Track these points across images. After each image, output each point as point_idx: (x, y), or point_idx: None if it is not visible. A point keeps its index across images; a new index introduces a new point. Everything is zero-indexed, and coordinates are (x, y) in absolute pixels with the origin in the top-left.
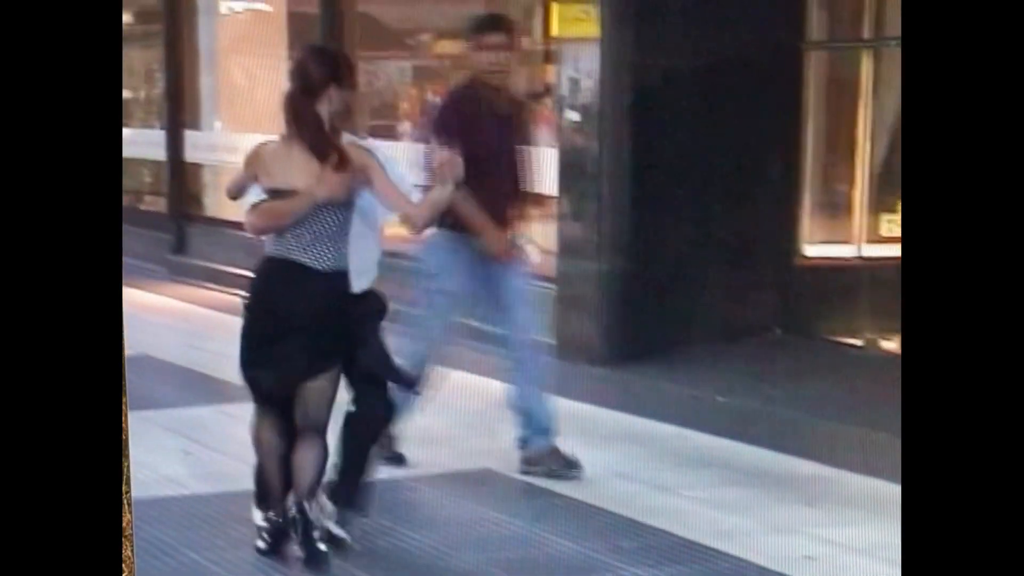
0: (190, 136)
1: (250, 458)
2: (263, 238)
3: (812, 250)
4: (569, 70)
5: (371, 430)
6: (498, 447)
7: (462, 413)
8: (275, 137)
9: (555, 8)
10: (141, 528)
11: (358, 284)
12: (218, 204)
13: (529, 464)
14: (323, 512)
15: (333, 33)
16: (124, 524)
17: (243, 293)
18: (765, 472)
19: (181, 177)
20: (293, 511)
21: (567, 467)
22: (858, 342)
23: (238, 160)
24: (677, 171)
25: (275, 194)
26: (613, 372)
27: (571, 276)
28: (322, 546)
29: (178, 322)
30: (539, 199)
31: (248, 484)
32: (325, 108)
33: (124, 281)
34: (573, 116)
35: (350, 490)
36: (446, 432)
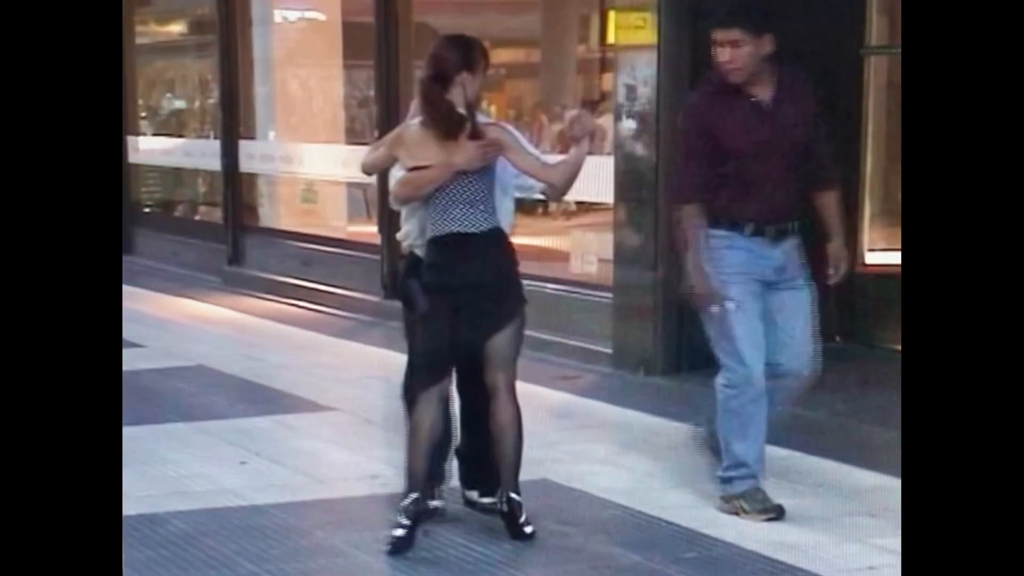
0: (245, 146)
1: (307, 469)
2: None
3: (873, 257)
4: (626, 77)
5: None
6: (553, 457)
7: None
8: (416, 121)
9: (612, 16)
10: (198, 539)
11: None
12: (274, 215)
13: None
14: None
15: (388, 42)
16: None
17: (414, 282)
18: (827, 483)
19: (236, 187)
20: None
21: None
22: None
23: (294, 169)
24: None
25: (416, 171)
26: (670, 381)
27: (628, 285)
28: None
29: (234, 332)
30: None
31: (305, 495)
32: (459, 93)
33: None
34: (630, 124)
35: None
36: None
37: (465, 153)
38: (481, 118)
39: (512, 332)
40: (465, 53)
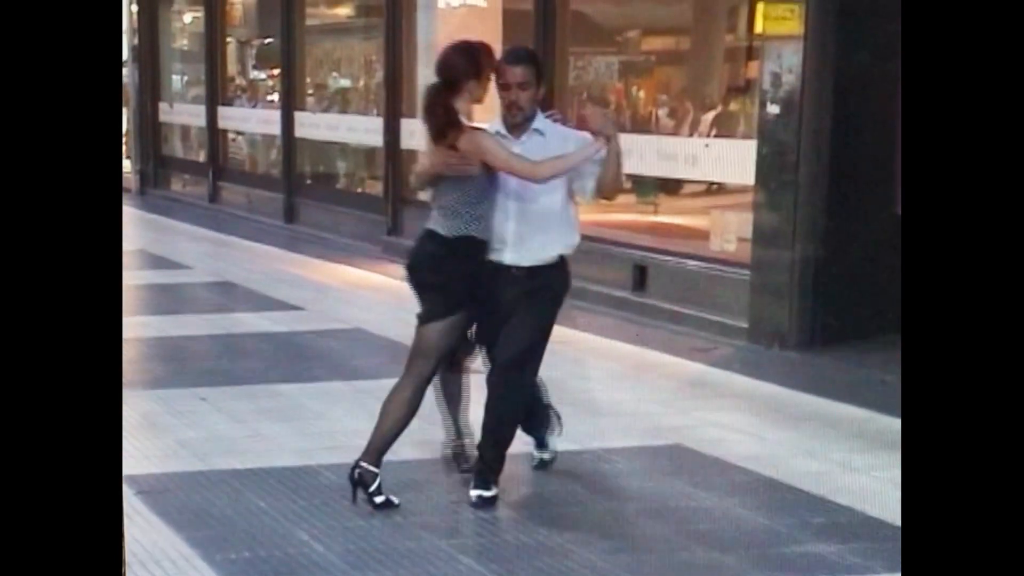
0: (406, 124)
1: None
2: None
3: None
4: (772, 66)
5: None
6: (687, 424)
7: (654, 390)
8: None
9: (760, 7)
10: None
11: (524, 258)
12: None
13: None
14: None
15: (546, 29)
16: None
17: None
18: None
19: (397, 162)
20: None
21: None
22: None
23: None
24: (873, 165)
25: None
26: (804, 356)
27: (766, 263)
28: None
29: (390, 298)
30: None
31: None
32: (463, 100)
33: (341, 259)
34: (774, 109)
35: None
36: (638, 407)
37: (438, 160)
38: (474, 125)
39: (443, 326)
40: (474, 60)
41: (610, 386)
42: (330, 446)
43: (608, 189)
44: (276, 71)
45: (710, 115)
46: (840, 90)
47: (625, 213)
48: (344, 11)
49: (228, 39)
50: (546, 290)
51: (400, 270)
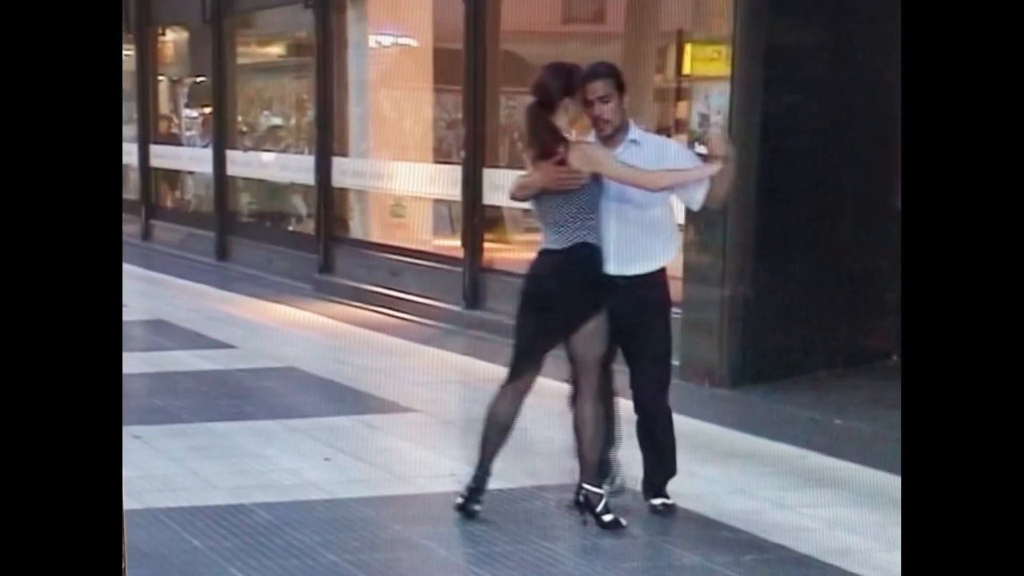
0: (338, 162)
1: (388, 466)
2: None
3: None
4: (700, 106)
5: None
6: (620, 461)
7: None
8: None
9: (688, 48)
10: (283, 529)
11: (626, 268)
12: (363, 227)
13: None
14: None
15: (476, 68)
16: None
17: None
18: (881, 492)
19: (328, 200)
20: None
21: None
22: None
23: (383, 185)
24: (801, 202)
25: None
26: (735, 394)
27: (696, 301)
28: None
29: (324, 337)
30: None
31: (385, 490)
32: (562, 117)
33: (274, 298)
34: (702, 150)
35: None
36: (570, 445)
37: (546, 174)
38: (582, 139)
39: (583, 337)
40: (566, 79)
41: (543, 423)
42: (264, 484)
43: (717, 200)
44: (208, 109)
45: None
46: (767, 130)
47: None
48: (276, 50)
49: (160, 77)
50: (652, 307)
51: (333, 308)
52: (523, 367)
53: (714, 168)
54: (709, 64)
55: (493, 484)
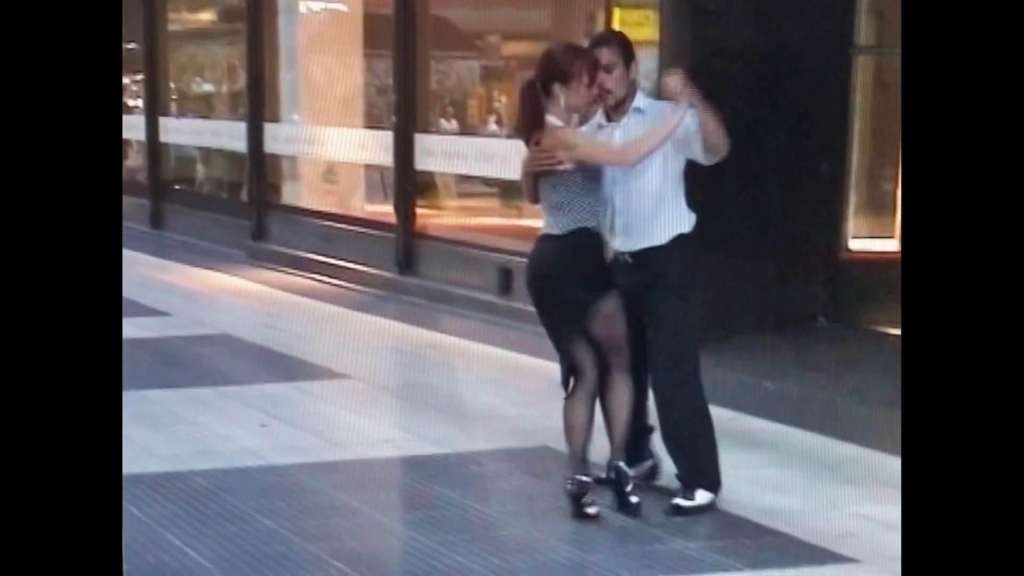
0: (270, 128)
1: (323, 432)
2: None
3: (857, 244)
4: None
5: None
6: (555, 425)
7: (521, 392)
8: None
9: (617, 12)
10: (220, 495)
11: (631, 243)
12: (295, 193)
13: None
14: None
15: (406, 33)
16: None
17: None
18: (810, 454)
19: (261, 167)
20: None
21: None
22: (898, 332)
23: (315, 151)
24: (731, 169)
25: None
26: None
27: None
28: None
29: (256, 304)
30: None
31: (321, 456)
32: (555, 101)
33: (208, 265)
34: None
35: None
36: (505, 410)
37: (530, 159)
38: (553, 122)
39: (601, 319)
40: (563, 62)
41: (478, 389)
42: (201, 451)
43: (716, 148)
44: (139, 76)
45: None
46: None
47: (490, 217)
48: (207, 16)
49: None
50: (661, 285)
51: (267, 274)
52: (567, 362)
53: (679, 113)
54: (637, 28)
55: (430, 450)
